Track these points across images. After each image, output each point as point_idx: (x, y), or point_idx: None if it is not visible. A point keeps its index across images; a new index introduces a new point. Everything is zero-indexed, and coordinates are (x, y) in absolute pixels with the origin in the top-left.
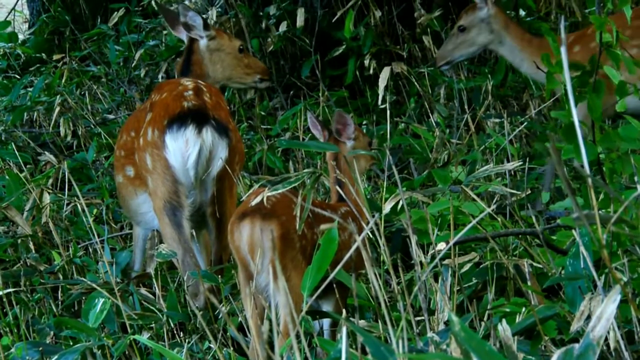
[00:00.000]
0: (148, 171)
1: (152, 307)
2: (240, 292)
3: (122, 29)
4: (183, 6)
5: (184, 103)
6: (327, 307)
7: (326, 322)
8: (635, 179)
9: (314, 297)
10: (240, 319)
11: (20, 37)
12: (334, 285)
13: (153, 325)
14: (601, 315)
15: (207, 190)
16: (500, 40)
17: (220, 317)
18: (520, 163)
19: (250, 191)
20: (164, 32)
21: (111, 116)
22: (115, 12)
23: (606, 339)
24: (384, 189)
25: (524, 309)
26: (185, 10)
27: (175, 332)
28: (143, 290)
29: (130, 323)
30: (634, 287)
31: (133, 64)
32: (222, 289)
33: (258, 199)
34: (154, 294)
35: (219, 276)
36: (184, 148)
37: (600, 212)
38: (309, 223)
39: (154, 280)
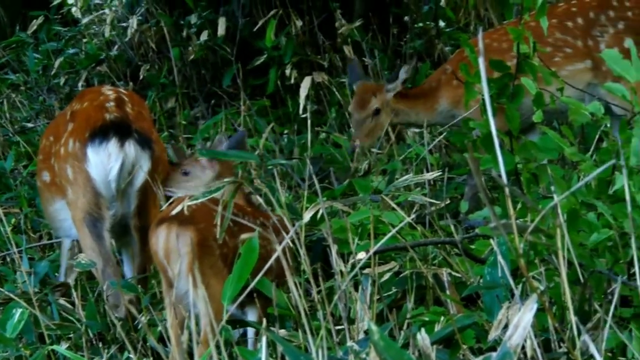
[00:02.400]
0: (68, 181)
1: (71, 317)
2: (164, 301)
3: (42, 36)
4: None
5: (106, 115)
6: (251, 316)
7: (250, 330)
8: (552, 188)
9: (234, 306)
10: (160, 328)
11: None
12: (254, 295)
13: (72, 335)
14: (518, 323)
15: (130, 202)
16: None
17: (139, 327)
18: (440, 173)
19: (171, 200)
20: (84, 40)
21: (30, 125)
22: (35, 20)
23: (523, 347)
24: (305, 199)
25: (442, 318)
26: None
27: (94, 342)
28: (62, 300)
29: (48, 333)
30: (550, 296)
31: (52, 72)
32: (141, 299)
33: (178, 208)
34: (72, 303)
35: (139, 286)
36: (105, 161)
37: (517, 221)
38: (231, 231)
39: (73, 290)
